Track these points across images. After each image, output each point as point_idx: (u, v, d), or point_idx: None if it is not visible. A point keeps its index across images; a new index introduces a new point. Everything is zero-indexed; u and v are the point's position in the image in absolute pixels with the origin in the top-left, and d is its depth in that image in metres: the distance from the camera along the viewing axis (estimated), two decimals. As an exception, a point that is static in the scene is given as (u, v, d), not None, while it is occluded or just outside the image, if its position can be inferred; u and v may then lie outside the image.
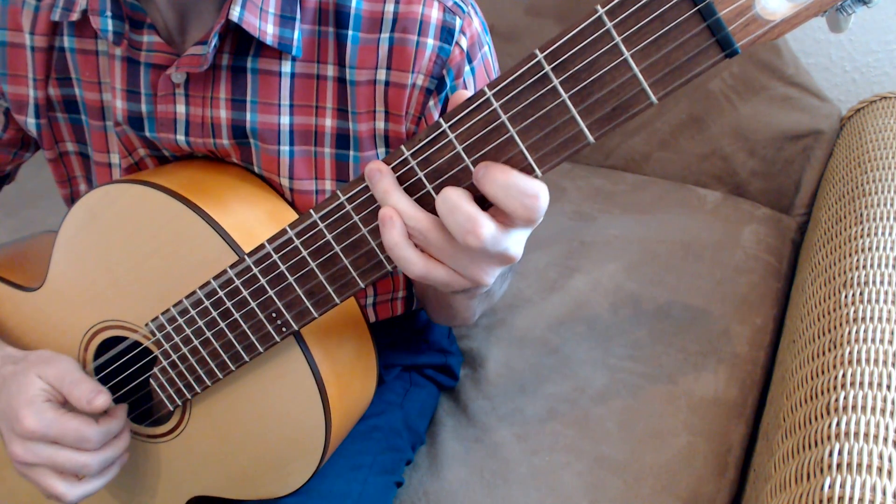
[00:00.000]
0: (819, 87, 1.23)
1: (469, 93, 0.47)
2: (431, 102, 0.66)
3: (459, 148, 0.47)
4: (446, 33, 0.65)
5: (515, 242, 0.48)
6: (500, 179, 0.45)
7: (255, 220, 0.66)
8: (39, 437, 0.62)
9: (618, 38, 0.42)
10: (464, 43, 0.66)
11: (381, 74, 0.66)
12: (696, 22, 0.41)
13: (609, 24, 0.42)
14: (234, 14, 0.61)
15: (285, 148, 0.68)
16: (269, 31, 0.63)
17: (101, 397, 0.64)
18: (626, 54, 0.42)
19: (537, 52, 0.44)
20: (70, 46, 0.70)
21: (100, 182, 0.76)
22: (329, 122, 0.68)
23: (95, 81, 0.70)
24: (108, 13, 0.65)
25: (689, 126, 1.29)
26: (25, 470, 0.65)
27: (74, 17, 0.67)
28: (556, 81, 0.44)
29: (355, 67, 0.66)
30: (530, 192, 0.45)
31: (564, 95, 0.44)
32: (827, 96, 1.23)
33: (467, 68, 0.67)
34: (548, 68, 0.44)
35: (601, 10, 0.42)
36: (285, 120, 0.67)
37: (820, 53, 1.28)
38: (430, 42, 0.64)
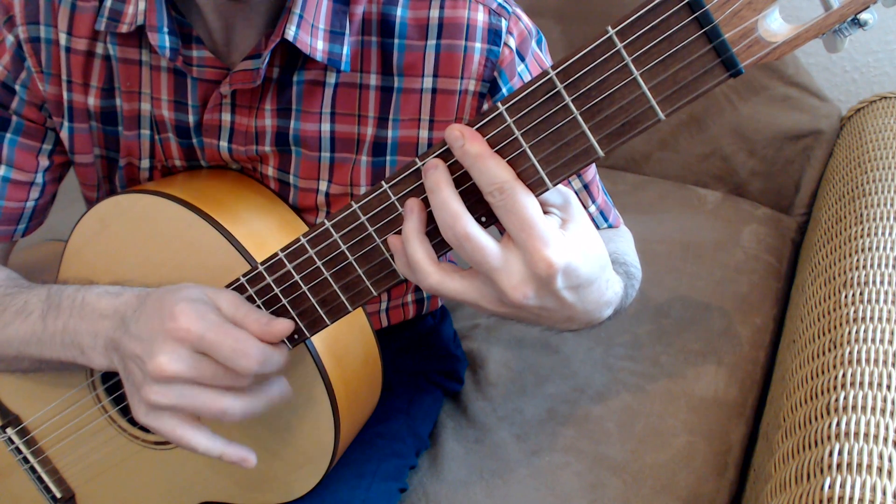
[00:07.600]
0: (819, 87, 1.23)
1: None
2: (485, 106, 0.66)
3: None
4: (493, 35, 0.64)
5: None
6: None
7: (267, 229, 0.66)
8: (194, 340, 0.53)
9: (628, 59, 0.43)
10: (512, 43, 0.65)
11: (428, 82, 0.65)
12: (702, 43, 0.42)
13: (619, 45, 0.43)
14: (290, 34, 0.61)
15: (326, 154, 0.68)
16: (319, 47, 0.63)
17: (284, 321, 0.56)
18: (636, 73, 0.43)
19: (549, 69, 0.45)
20: (114, 55, 0.68)
21: (127, 183, 0.75)
22: (369, 131, 0.67)
23: (135, 91, 0.69)
24: (166, 29, 0.63)
25: (689, 126, 1.29)
26: (150, 419, 0.57)
27: (124, 29, 0.65)
28: (568, 99, 0.45)
29: (403, 75, 0.65)
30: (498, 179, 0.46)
31: (576, 112, 0.45)
32: (827, 96, 1.23)
33: (521, 66, 0.66)
34: (560, 86, 0.45)
35: (611, 31, 0.43)
36: (326, 127, 0.67)
37: (820, 53, 1.28)
38: (479, 46, 0.64)
